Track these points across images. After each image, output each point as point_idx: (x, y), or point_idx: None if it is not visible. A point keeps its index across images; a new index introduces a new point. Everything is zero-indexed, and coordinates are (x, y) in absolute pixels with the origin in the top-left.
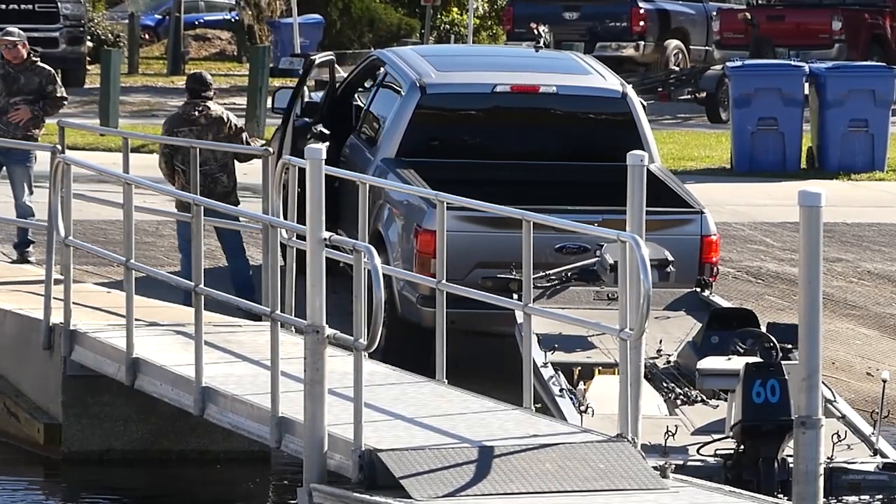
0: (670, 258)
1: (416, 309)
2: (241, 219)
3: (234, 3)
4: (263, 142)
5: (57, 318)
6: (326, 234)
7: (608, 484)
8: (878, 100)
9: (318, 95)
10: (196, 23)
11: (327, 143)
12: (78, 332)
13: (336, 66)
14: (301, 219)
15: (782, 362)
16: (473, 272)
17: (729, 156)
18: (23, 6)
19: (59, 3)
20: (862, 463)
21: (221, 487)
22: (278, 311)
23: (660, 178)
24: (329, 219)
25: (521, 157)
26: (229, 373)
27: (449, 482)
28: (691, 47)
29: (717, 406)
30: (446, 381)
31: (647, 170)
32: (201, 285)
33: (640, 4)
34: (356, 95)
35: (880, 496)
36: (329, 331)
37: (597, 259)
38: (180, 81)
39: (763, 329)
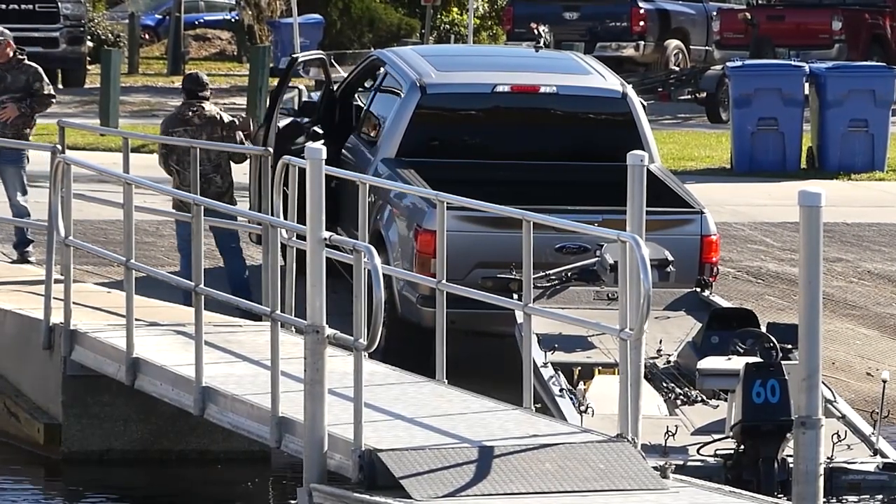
0: (670, 258)
1: (416, 309)
2: (238, 219)
3: (234, 3)
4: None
5: (57, 318)
6: (326, 234)
7: (608, 484)
8: (878, 100)
9: (317, 95)
10: (196, 23)
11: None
12: (78, 332)
13: (331, 65)
14: (301, 219)
15: (782, 362)
16: (473, 272)
17: (729, 156)
18: (23, 6)
19: (59, 3)
20: (862, 463)
21: (221, 487)
22: (278, 311)
23: (660, 178)
24: (328, 219)
25: (521, 157)
26: (229, 373)
27: (449, 482)
28: (691, 47)
29: (717, 406)
30: (446, 381)
31: (647, 170)
32: (201, 285)
33: (640, 4)
34: (356, 95)
35: (880, 496)
36: (329, 331)
37: (597, 259)
38: (180, 81)
39: (763, 329)
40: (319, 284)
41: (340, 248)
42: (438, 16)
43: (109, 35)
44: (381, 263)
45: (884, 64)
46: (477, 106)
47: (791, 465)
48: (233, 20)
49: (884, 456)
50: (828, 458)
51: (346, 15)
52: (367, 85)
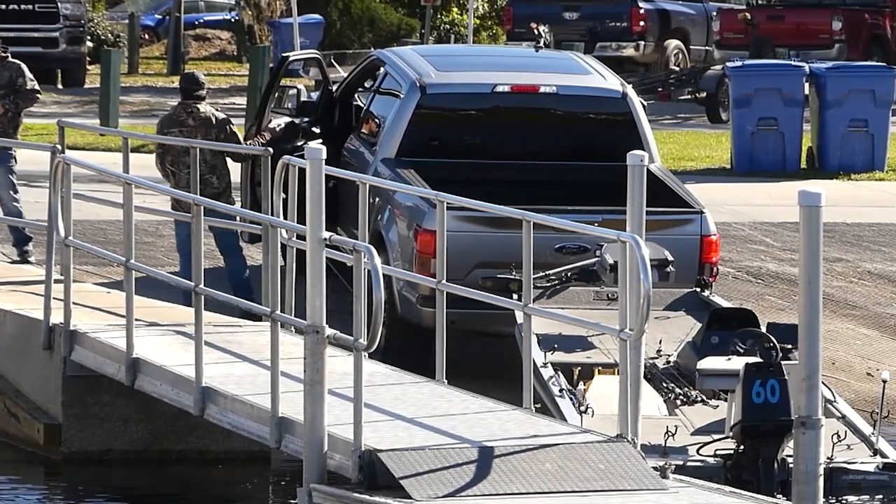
0: (670, 258)
1: (416, 309)
2: (237, 218)
3: (234, 3)
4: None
5: (57, 318)
6: (326, 234)
7: (608, 484)
8: (878, 100)
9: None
10: (196, 23)
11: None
12: (78, 332)
13: (330, 65)
14: (300, 219)
15: (782, 362)
16: (473, 272)
17: (729, 156)
18: (23, 6)
19: (59, 3)
20: (862, 463)
21: (221, 487)
22: (278, 312)
23: (660, 178)
24: (326, 219)
25: (521, 157)
26: (229, 373)
27: (449, 482)
28: (691, 47)
29: (717, 406)
30: (446, 381)
31: (647, 170)
32: (201, 285)
33: (640, 4)
34: (356, 95)
35: (880, 496)
36: (329, 331)
37: (597, 259)
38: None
39: (763, 329)
40: (319, 284)
41: (340, 248)
42: (438, 16)
43: (109, 35)
44: (381, 263)
45: (884, 64)
46: (477, 106)
47: (791, 465)
48: (233, 20)
49: (884, 456)
50: (828, 458)
51: (345, 15)
52: (366, 85)
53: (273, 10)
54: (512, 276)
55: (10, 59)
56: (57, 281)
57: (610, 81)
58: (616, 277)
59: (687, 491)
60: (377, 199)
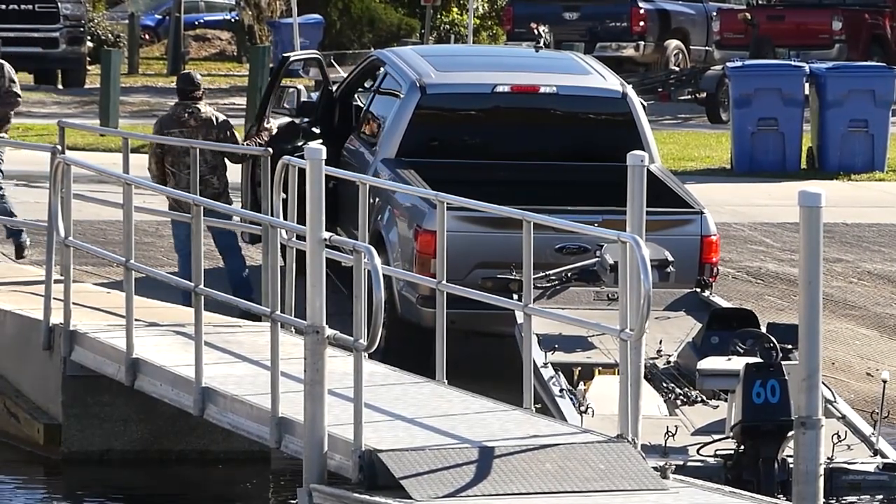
0: (670, 258)
1: (417, 309)
2: (236, 219)
3: (234, 3)
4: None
5: (57, 318)
6: (326, 235)
7: (608, 484)
8: (878, 100)
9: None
10: (196, 23)
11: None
12: (78, 332)
13: (330, 65)
14: (300, 219)
15: (782, 362)
16: (473, 272)
17: (729, 156)
18: (23, 6)
19: (59, 4)
20: (862, 463)
21: (221, 487)
22: (278, 312)
23: (660, 179)
24: (326, 219)
25: (521, 158)
26: (229, 373)
27: (449, 482)
28: (691, 47)
29: (718, 406)
30: (446, 381)
31: (648, 170)
32: (201, 286)
33: (640, 4)
34: (356, 95)
35: (880, 496)
36: (329, 331)
37: (597, 259)
38: None
39: (763, 329)
40: (319, 285)
41: (340, 248)
42: (438, 16)
43: (109, 35)
44: (381, 264)
45: (884, 64)
46: (477, 106)
47: (791, 466)
48: (233, 20)
49: (884, 456)
50: (828, 458)
51: (346, 15)
52: (366, 85)
53: (273, 10)
54: (512, 277)
55: None
56: (57, 281)
57: (610, 82)
58: (616, 278)
59: (687, 491)
60: (377, 200)
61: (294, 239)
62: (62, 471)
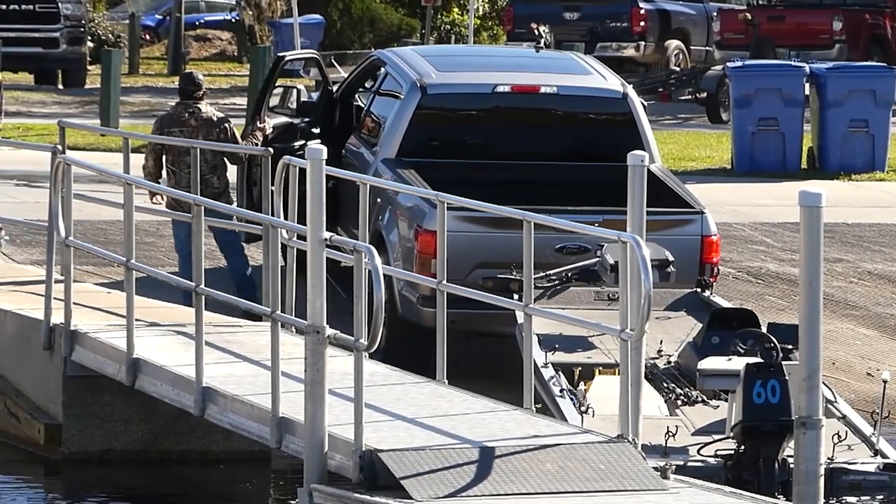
0: (671, 258)
1: (417, 309)
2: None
3: (234, 3)
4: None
5: (57, 318)
6: (327, 235)
7: (609, 485)
8: (879, 100)
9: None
10: (196, 23)
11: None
12: (78, 332)
13: (329, 65)
14: (301, 219)
15: (783, 363)
16: (474, 272)
17: (729, 156)
18: (23, 6)
19: (59, 4)
20: (862, 463)
21: (221, 487)
22: (279, 312)
23: (660, 179)
24: (326, 219)
25: (521, 158)
26: (229, 373)
27: (450, 483)
28: (692, 48)
29: (718, 406)
30: (447, 381)
31: (648, 170)
32: (202, 285)
33: (641, 5)
34: (356, 96)
35: (881, 496)
36: (330, 331)
37: (597, 259)
38: None
39: (763, 329)
40: (320, 285)
41: (341, 248)
42: (439, 16)
43: (110, 35)
44: (382, 264)
45: (884, 64)
46: (477, 106)
47: (791, 466)
48: (233, 20)
49: (884, 456)
50: (828, 458)
51: (346, 15)
52: (367, 85)
53: (273, 10)
54: (512, 277)
55: None
56: (57, 281)
57: (610, 82)
58: (617, 278)
59: (687, 491)
60: (378, 200)
61: (294, 239)
62: (62, 471)
